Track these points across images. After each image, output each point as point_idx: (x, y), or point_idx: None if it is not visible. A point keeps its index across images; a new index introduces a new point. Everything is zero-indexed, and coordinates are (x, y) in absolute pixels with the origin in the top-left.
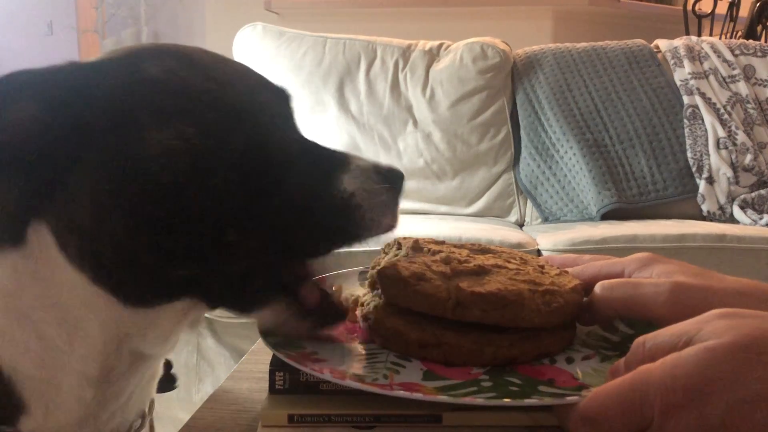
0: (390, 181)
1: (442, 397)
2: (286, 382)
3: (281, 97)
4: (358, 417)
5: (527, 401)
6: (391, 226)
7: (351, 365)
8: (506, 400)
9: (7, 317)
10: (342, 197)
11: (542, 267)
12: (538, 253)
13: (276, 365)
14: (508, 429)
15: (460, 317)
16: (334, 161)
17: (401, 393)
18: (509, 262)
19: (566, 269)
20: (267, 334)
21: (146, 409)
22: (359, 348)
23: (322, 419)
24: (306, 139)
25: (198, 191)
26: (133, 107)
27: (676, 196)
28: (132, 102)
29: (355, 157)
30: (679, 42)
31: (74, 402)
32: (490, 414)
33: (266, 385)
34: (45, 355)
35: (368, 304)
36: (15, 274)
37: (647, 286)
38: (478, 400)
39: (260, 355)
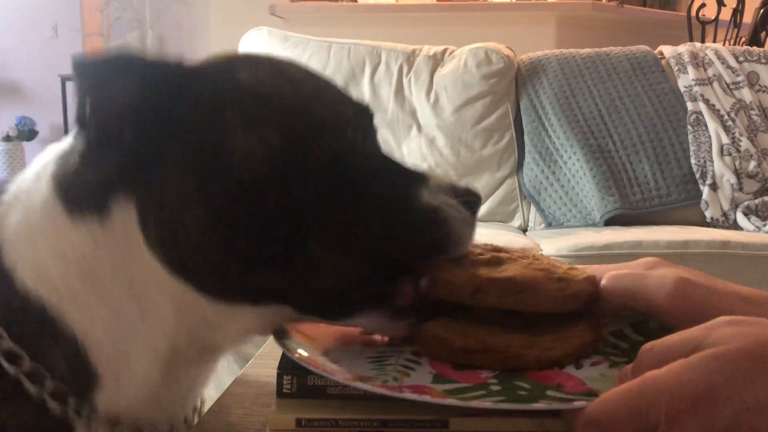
0: (467, 201)
1: (451, 400)
2: (293, 385)
3: (364, 113)
4: (366, 422)
5: (535, 405)
6: (467, 246)
7: (361, 367)
8: (514, 404)
9: (81, 282)
10: (427, 210)
11: (554, 264)
12: None
13: (284, 368)
14: None
15: (479, 303)
16: (415, 177)
17: (409, 395)
18: (522, 258)
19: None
20: (279, 335)
21: (198, 405)
22: (370, 350)
23: (330, 424)
24: (386, 155)
25: (276, 197)
26: (222, 109)
27: (680, 202)
28: (222, 104)
29: (433, 174)
30: (683, 48)
31: (142, 378)
32: (497, 420)
33: (273, 389)
34: (116, 325)
35: None
36: (92, 241)
37: (653, 278)
38: (486, 404)
39: (267, 359)
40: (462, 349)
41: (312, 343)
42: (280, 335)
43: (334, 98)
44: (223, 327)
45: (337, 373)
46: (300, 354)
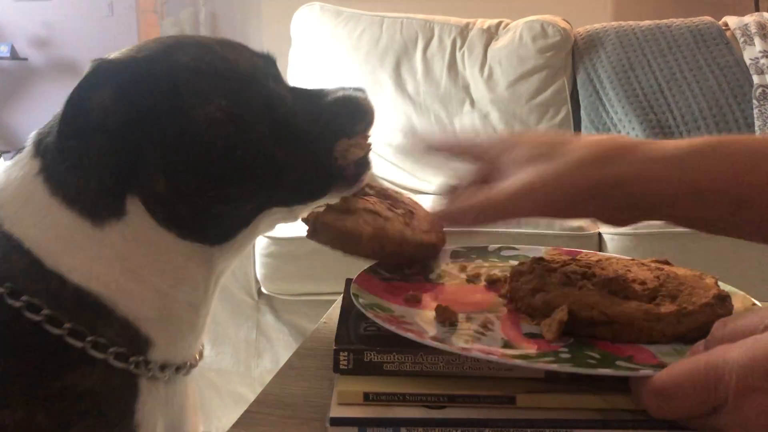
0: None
1: (518, 361)
2: (349, 362)
3: (269, 61)
4: (432, 396)
5: (600, 371)
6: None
7: (434, 330)
8: (579, 368)
9: (125, 276)
10: (338, 96)
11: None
12: (599, 236)
13: (340, 345)
14: (581, 411)
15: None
16: (322, 89)
17: (477, 354)
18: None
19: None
20: (357, 296)
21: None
22: None
23: (397, 398)
24: (293, 88)
25: (243, 147)
26: (177, 92)
27: None
28: (176, 87)
29: (332, 89)
30: (750, 19)
31: (189, 329)
32: (564, 396)
33: (332, 363)
34: (158, 301)
35: (520, 287)
36: (124, 241)
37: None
38: (552, 366)
39: (324, 332)
40: (585, 321)
41: (386, 306)
42: (355, 296)
43: (248, 56)
44: (231, 258)
45: (409, 332)
46: (371, 309)
